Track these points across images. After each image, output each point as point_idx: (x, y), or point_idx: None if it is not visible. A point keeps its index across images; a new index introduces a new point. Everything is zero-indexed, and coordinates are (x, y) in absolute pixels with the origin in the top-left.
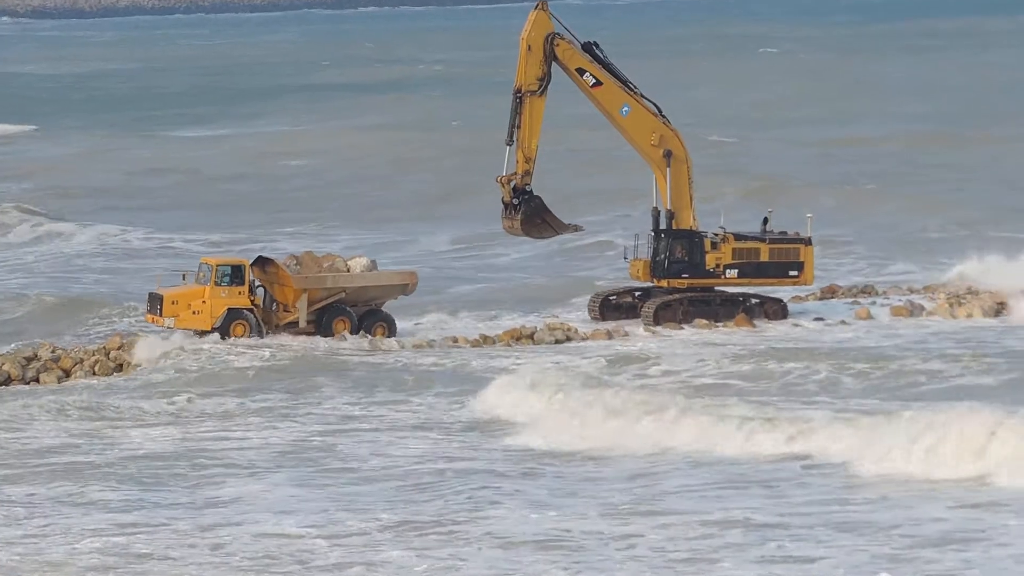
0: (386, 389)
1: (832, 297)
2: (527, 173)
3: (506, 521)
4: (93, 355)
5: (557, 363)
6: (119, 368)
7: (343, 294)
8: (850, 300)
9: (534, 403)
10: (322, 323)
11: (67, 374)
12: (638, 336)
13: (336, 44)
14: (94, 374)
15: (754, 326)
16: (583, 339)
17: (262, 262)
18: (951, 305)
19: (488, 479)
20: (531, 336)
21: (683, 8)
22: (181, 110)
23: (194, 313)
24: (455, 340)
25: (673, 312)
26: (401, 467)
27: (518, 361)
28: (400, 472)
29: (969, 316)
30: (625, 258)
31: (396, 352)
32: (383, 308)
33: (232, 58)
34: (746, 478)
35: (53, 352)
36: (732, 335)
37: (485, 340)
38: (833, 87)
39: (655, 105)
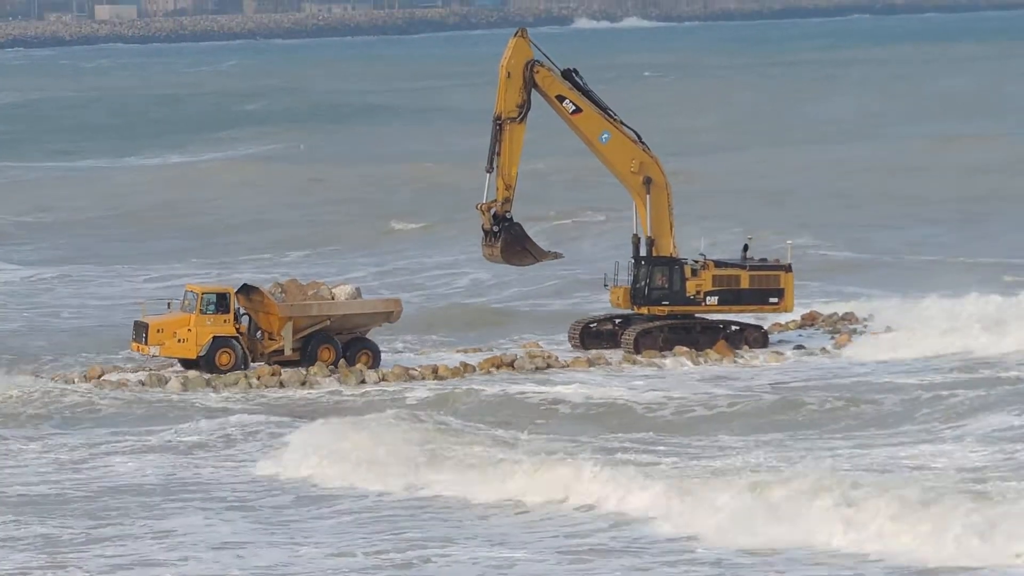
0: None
1: (812, 325)
2: (507, 200)
3: None
4: (73, 383)
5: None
6: None
7: (328, 322)
8: (829, 329)
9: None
10: (307, 352)
11: None
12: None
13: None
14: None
15: (734, 354)
16: (563, 367)
17: (247, 290)
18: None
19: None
20: (511, 364)
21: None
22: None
23: (179, 341)
24: (435, 370)
25: (653, 339)
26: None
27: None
28: None
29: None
30: (605, 285)
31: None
32: (367, 336)
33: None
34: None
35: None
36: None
37: (465, 368)
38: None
39: (635, 132)
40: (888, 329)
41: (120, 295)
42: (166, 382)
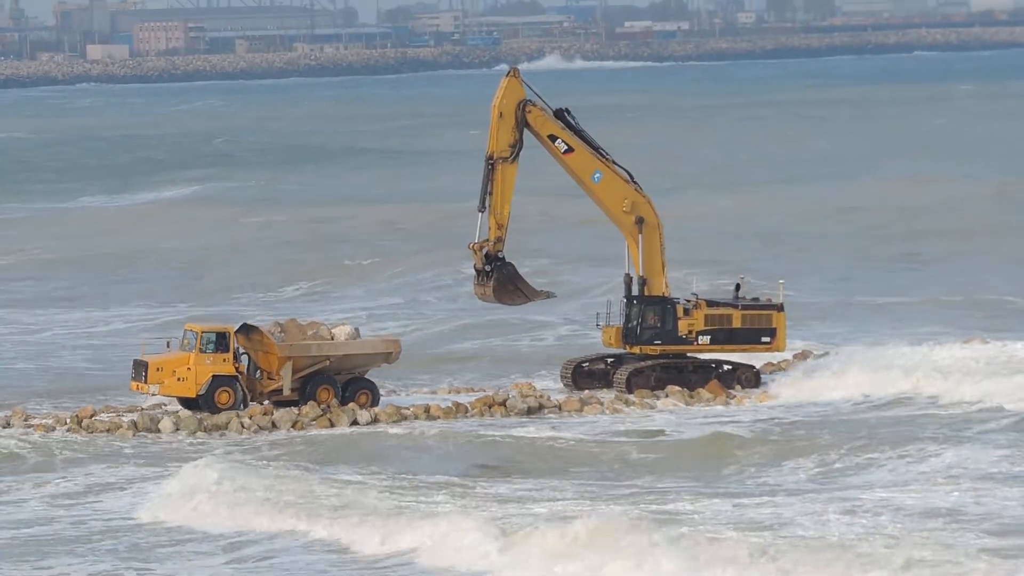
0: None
1: (804, 363)
2: (499, 240)
3: None
4: (66, 423)
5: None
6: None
7: (327, 362)
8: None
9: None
10: (306, 392)
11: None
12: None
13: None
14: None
15: (727, 394)
16: (556, 406)
17: (246, 329)
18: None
19: None
20: (503, 403)
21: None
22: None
23: (179, 380)
24: (427, 409)
25: (646, 379)
26: None
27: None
28: None
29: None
30: (597, 325)
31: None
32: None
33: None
34: None
35: (25, 420)
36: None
37: (458, 408)
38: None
39: (627, 171)
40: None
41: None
42: (158, 421)
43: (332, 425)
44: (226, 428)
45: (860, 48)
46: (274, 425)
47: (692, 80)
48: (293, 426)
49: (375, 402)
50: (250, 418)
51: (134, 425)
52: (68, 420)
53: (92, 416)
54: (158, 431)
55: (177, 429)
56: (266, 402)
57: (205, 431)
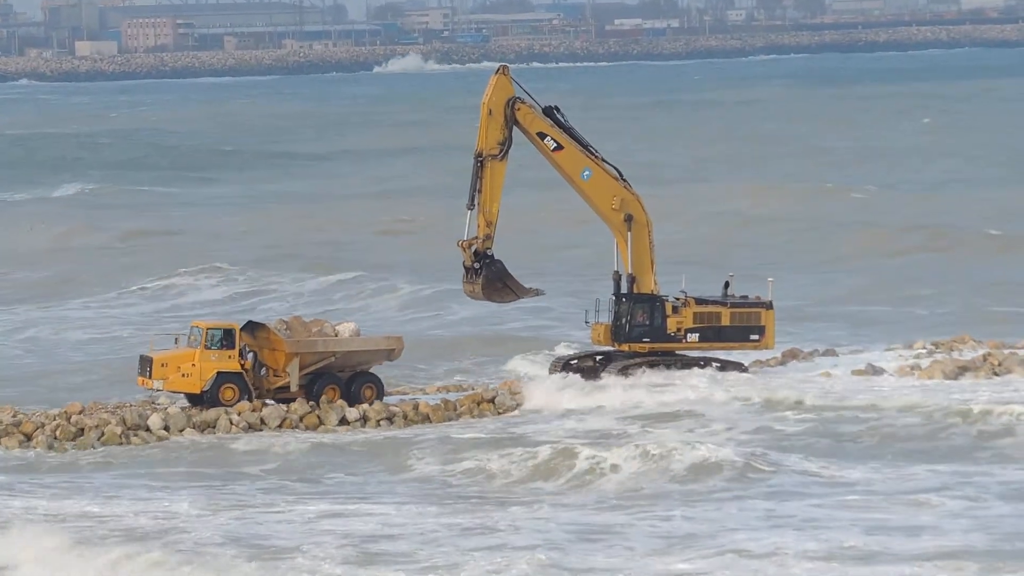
0: None
1: (793, 360)
2: (488, 237)
3: None
4: (55, 419)
5: None
6: (80, 432)
7: (333, 359)
8: (811, 364)
9: None
10: (313, 389)
11: (28, 438)
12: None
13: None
14: (56, 438)
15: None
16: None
17: (252, 327)
18: (911, 368)
19: None
20: (492, 400)
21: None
22: None
23: (183, 376)
24: (416, 407)
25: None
26: None
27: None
28: None
29: (930, 378)
30: (586, 322)
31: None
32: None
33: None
34: None
35: (14, 416)
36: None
37: (447, 405)
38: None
39: (616, 169)
40: None
41: None
42: (147, 418)
43: (320, 423)
44: (215, 425)
45: (850, 46)
46: (263, 422)
47: (639, 79)
48: (281, 424)
49: (380, 395)
50: (239, 415)
51: (123, 422)
52: None
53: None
54: (147, 428)
55: (166, 427)
56: (269, 401)
57: (194, 428)
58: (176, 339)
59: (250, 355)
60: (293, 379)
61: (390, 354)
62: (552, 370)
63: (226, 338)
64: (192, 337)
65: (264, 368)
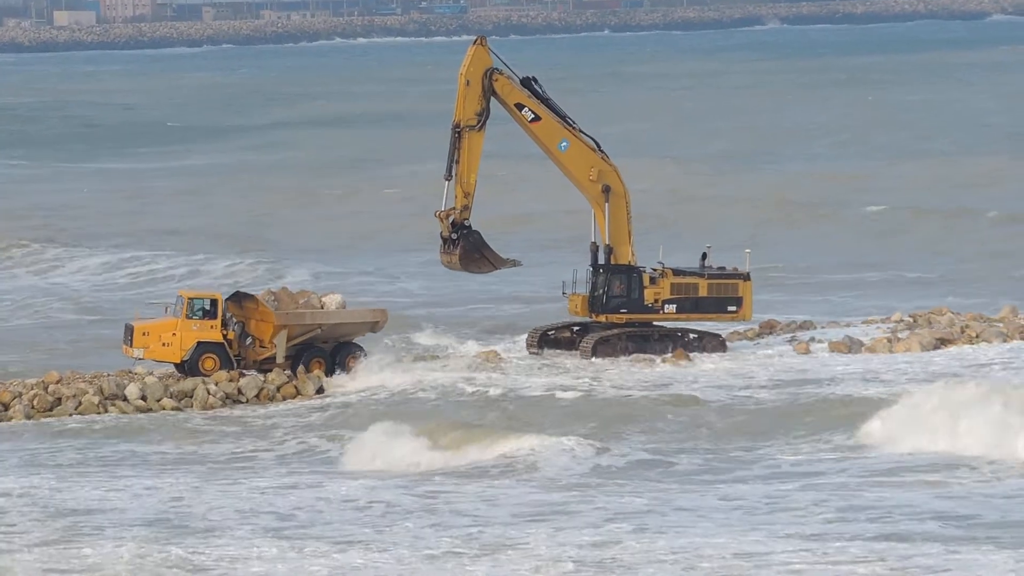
0: None
1: (771, 333)
2: (465, 208)
3: None
4: (32, 389)
5: None
6: (58, 402)
7: (319, 331)
8: (789, 336)
9: None
10: (300, 360)
11: (6, 408)
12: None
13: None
14: (33, 407)
15: (690, 360)
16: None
17: (238, 297)
18: (889, 340)
19: None
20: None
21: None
22: None
23: (164, 345)
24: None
25: (612, 347)
26: None
27: None
28: None
29: (907, 351)
30: (564, 293)
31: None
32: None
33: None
34: None
35: None
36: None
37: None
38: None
39: (594, 140)
40: None
41: None
42: (124, 388)
43: (298, 393)
44: (192, 395)
45: (828, 17)
46: (240, 392)
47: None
48: (259, 395)
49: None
50: (216, 385)
51: (100, 391)
52: None
53: None
54: (124, 398)
55: (143, 397)
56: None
57: (171, 398)
58: (166, 308)
59: (236, 326)
60: (280, 351)
61: (374, 326)
62: (529, 341)
63: (210, 308)
64: (177, 306)
65: (250, 339)
